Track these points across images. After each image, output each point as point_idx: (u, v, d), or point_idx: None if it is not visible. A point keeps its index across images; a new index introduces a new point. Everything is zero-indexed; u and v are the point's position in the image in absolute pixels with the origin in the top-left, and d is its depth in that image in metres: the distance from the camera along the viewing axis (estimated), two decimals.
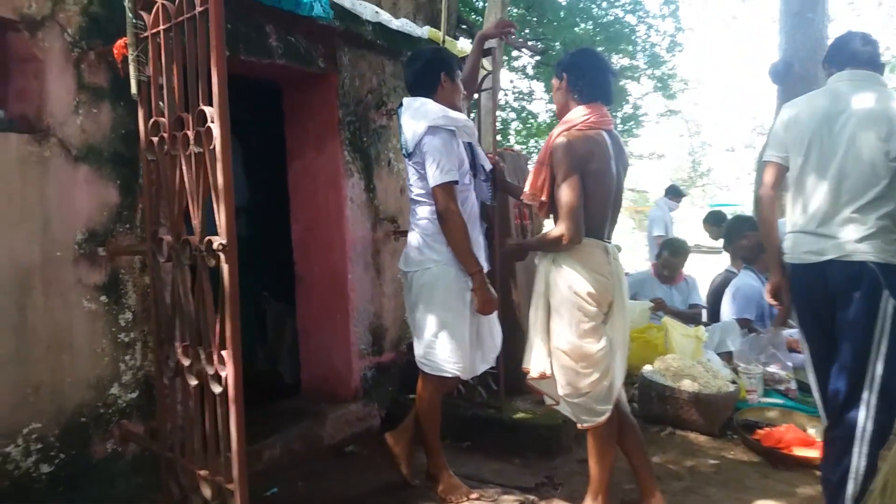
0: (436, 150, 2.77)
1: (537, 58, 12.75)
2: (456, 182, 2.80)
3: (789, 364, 4.31)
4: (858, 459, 2.50)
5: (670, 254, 5.59)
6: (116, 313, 2.65)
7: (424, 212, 2.89)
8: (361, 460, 3.40)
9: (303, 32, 3.51)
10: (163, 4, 2.28)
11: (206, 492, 2.20)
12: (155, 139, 2.39)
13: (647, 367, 4.07)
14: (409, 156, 2.88)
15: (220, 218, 2.08)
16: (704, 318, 5.54)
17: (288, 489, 3.02)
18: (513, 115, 14.09)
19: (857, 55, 2.71)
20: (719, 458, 3.45)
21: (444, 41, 4.15)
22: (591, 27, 12.76)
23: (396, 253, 3.08)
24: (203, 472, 2.22)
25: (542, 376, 2.65)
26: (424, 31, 4.19)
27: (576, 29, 12.45)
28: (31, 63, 2.48)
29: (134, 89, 2.45)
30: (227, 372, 2.06)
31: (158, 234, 2.45)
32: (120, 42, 2.49)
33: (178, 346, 2.33)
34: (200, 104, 2.13)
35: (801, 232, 2.68)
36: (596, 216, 2.58)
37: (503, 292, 3.66)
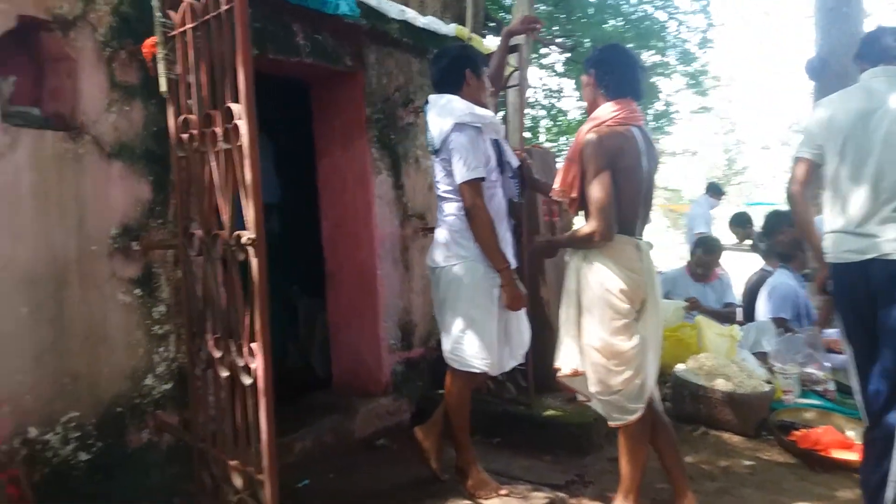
0: (462, 147, 2.76)
1: (566, 55, 12.66)
2: (482, 179, 2.80)
3: (827, 365, 4.22)
4: None
5: (704, 252, 5.51)
6: (150, 306, 2.70)
7: (452, 208, 2.88)
8: (391, 454, 3.41)
9: (329, 31, 3.53)
10: (190, 3, 2.32)
11: (237, 482, 2.23)
12: (185, 136, 2.43)
13: (679, 366, 4.01)
14: (436, 153, 2.88)
15: (249, 213, 2.10)
16: (739, 317, 5.45)
17: (319, 481, 3.03)
18: (542, 112, 14.01)
19: (889, 50, 2.67)
20: (754, 459, 3.38)
21: (469, 38, 4.15)
22: (621, 24, 12.63)
23: (425, 249, 3.09)
24: (234, 463, 2.24)
25: (575, 374, 2.63)
26: (451, 29, 4.19)
27: (605, 26, 12.33)
28: (64, 62, 2.53)
29: (163, 87, 2.49)
30: (257, 364, 2.08)
31: (190, 229, 2.48)
32: (149, 41, 2.53)
33: (209, 338, 2.36)
34: (227, 101, 2.15)
35: (840, 232, 2.64)
36: (627, 212, 2.55)
37: (532, 289, 3.64)
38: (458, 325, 2.83)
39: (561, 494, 2.92)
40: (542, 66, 13.65)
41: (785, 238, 5.04)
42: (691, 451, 3.44)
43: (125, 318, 2.63)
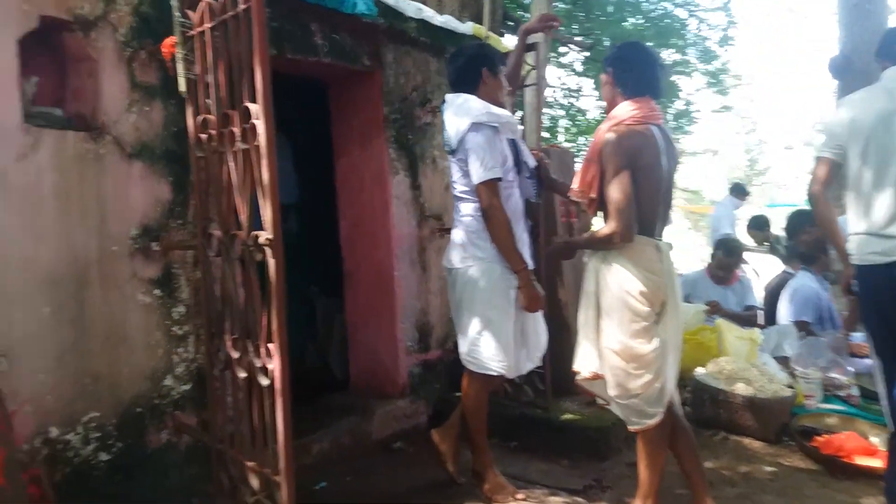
0: (479, 147, 2.75)
1: (585, 54, 12.59)
2: (499, 179, 2.78)
3: (851, 369, 4.16)
4: None
5: (724, 254, 5.45)
6: (170, 307, 2.71)
7: (468, 209, 2.87)
8: (408, 457, 3.40)
9: (347, 30, 3.53)
10: (208, 3, 2.32)
11: (254, 483, 2.23)
12: (203, 136, 2.43)
13: (699, 370, 3.97)
14: (453, 153, 2.87)
15: (266, 213, 2.10)
16: (760, 320, 5.39)
17: (336, 483, 3.03)
18: (561, 112, 13.94)
19: None
20: (775, 465, 3.34)
21: (487, 36, 4.12)
22: (641, 22, 12.54)
23: (442, 250, 3.08)
24: (251, 464, 2.24)
25: (595, 377, 2.60)
26: (468, 28, 4.18)
27: (624, 24, 12.25)
28: (85, 63, 2.55)
29: (182, 87, 2.50)
30: (274, 364, 2.08)
31: (208, 229, 2.49)
32: (168, 41, 2.55)
33: (227, 339, 2.36)
34: (245, 101, 2.15)
35: (865, 234, 2.62)
36: (647, 213, 2.51)
37: (550, 291, 3.61)
38: (474, 326, 2.81)
39: (579, 499, 2.90)
40: (560, 66, 13.58)
41: (808, 238, 4.99)
42: (711, 456, 3.40)
43: (145, 318, 2.64)
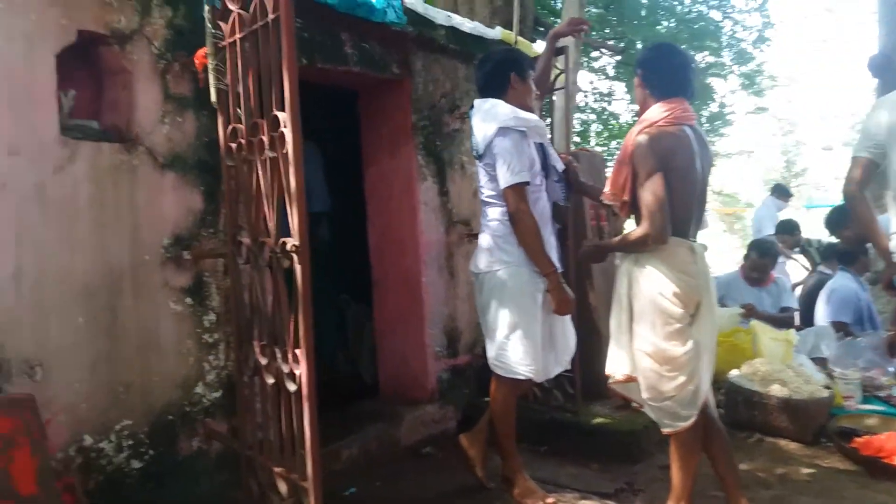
0: (506, 152, 2.75)
1: (617, 58, 12.53)
2: (527, 183, 2.78)
3: (891, 369, 4.08)
4: None
5: (758, 255, 5.36)
6: (201, 315, 2.75)
7: (495, 213, 2.87)
8: (437, 462, 3.41)
9: (377, 39, 3.56)
10: (238, 14, 2.36)
11: (283, 489, 2.25)
12: (233, 145, 2.48)
13: (733, 372, 3.92)
14: (480, 157, 2.88)
15: (293, 220, 2.13)
16: (797, 322, 5.29)
17: (366, 489, 3.04)
18: (593, 116, 13.89)
19: None
20: (812, 467, 3.27)
21: (516, 41, 4.13)
22: (674, 25, 12.43)
23: (470, 256, 3.09)
24: (279, 470, 2.27)
25: (628, 379, 2.59)
26: (497, 33, 4.19)
27: (658, 27, 12.17)
28: (121, 75, 2.62)
29: (213, 97, 2.55)
30: (301, 370, 2.11)
31: (238, 237, 2.53)
32: (200, 52, 2.60)
33: (256, 345, 2.39)
34: (274, 110, 2.18)
35: None
36: (681, 214, 2.49)
37: (580, 294, 3.59)
38: (502, 331, 2.82)
39: (609, 503, 2.88)
40: (592, 70, 13.53)
41: (850, 234, 4.89)
42: (746, 458, 3.35)
43: (177, 326, 2.68)
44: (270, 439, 2.35)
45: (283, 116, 2.13)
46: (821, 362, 4.28)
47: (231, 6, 2.40)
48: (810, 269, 6.80)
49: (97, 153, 2.48)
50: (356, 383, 4.35)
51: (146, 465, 2.57)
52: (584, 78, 13.21)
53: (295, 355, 2.14)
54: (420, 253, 3.79)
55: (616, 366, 2.62)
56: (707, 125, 13.42)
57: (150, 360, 2.60)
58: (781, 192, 8.70)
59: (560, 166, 3.06)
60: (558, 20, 9.51)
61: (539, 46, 5.03)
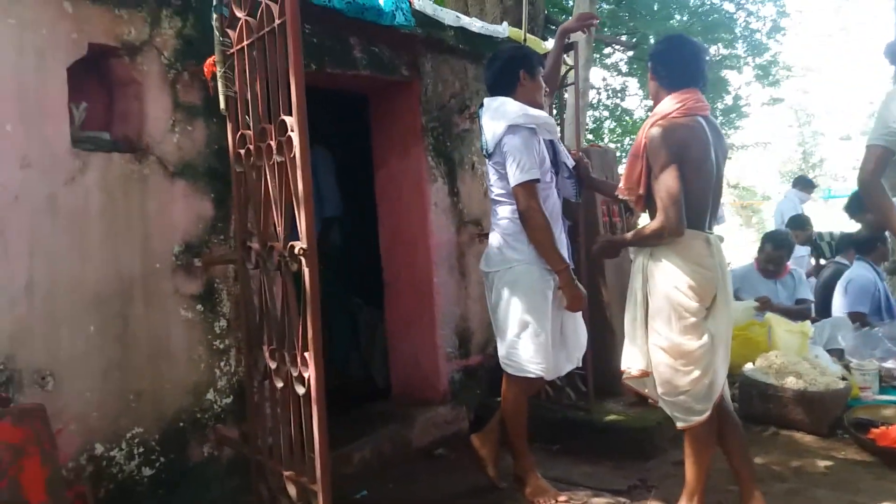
0: (516, 150, 2.76)
1: (630, 53, 12.47)
2: (537, 180, 2.78)
3: None
4: None
5: (773, 247, 5.32)
6: (212, 321, 2.78)
7: (505, 211, 2.88)
8: (450, 463, 3.41)
9: (385, 42, 3.58)
10: (246, 21, 2.39)
11: (292, 492, 2.27)
12: (242, 151, 2.50)
13: (748, 366, 3.90)
14: (490, 156, 2.88)
15: (301, 224, 2.15)
16: (813, 313, 5.25)
17: (378, 492, 3.05)
18: (606, 113, 13.84)
19: None
20: (828, 459, 3.25)
21: (525, 39, 4.13)
22: (687, 18, 12.35)
23: (481, 255, 3.11)
24: (288, 473, 2.28)
25: (643, 374, 2.59)
26: (505, 32, 4.19)
27: (671, 21, 12.09)
28: (131, 86, 2.65)
29: (222, 104, 2.57)
30: (310, 373, 2.12)
31: (248, 242, 2.55)
32: (209, 60, 2.62)
33: (265, 349, 2.42)
34: (282, 114, 2.21)
35: None
36: (696, 206, 2.48)
37: (592, 291, 3.59)
38: (512, 329, 2.82)
39: (623, 500, 2.88)
40: (605, 67, 13.47)
41: (872, 217, 4.85)
42: (761, 451, 3.33)
43: (187, 333, 2.70)
44: (280, 444, 2.36)
45: (291, 121, 2.15)
46: (837, 353, 4.25)
47: (238, 13, 2.43)
48: (814, 262, 6.75)
49: (108, 164, 2.51)
50: (369, 387, 4.37)
51: (157, 472, 2.58)
52: (596, 74, 13.17)
53: (304, 358, 2.16)
54: (431, 254, 3.80)
55: (631, 361, 2.62)
56: (722, 118, 13.31)
57: (161, 367, 2.62)
58: (805, 185, 8.63)
59: (570, 163, 3.06)
60: (569, 17, 9.49)
61: (550, 44, 5.04)
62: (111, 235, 2.50)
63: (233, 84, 2.53)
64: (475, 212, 4.11)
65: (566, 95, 4.16)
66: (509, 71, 2.92)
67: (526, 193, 2.75)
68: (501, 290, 2.86)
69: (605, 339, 3.78)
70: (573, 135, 4.73)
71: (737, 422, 2.65)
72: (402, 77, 3.74)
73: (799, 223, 6.90)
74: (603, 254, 2.95)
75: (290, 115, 2.15)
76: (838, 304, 5.00)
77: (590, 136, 12.01)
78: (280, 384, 2.32)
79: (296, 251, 2.17)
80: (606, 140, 13.31)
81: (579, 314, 2.99)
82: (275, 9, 2.19)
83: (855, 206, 5.25)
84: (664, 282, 2.48)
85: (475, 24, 3.99)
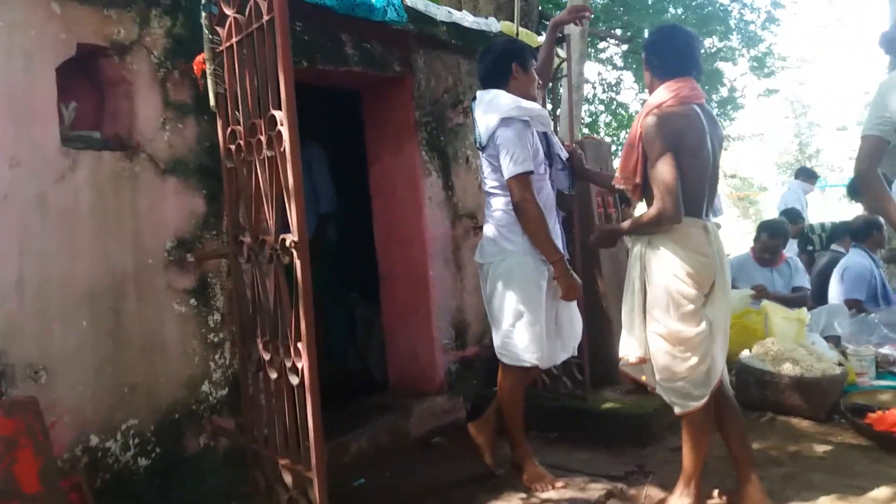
0: (509, 142, 2.77)
1: (624, 47, 12.48)
2: (531, 172, 2.79)
3: None
4: None
5: (769, 236, 5.33)
6: (206, 315, 2.79)
7: (499, 203, 2.89)
8: (447, 452, 3.43)
9: (377, 38, 3.59)
10: (234, 18, 2.40)
11: (288, 480, 2.28)
12: (232, 147, 2.51)
13: (744, 353, 3.91)
14: (483, 149, 2.90)
15: (292, 217, 2.16)
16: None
17: (375, 480, 3.07)
18: (601, 107, 13.84)
19: None
20: (825, 444, 3.27)
21: (517, 34, 4.14)
22: (681, 11, 12.35)
23: (476, 248, 3.12)
24: (284, 462, 2.30)
25: (641, 361, 2.60)
26: (498, 26, 4.20)
27: (665, 15, 12.08)
28: (121, 85, 2.66)
29: (212, 101, 2.58)
30: (303, 363, 2.14)
31: (239, 236, 2.56)
32: (198, 58, 2.62)
33: (259, 341, 2.43)
34: (271, 110, 2.22)
35: None
36: (693, 194, 2.49)
37: (587, 281, 3.61)
38: (507, 319, 2.84)
39: (620, 485, 2.89)
40: (600, 61, 13.48)
41: (870, 207, 4.87)
42: (758, 437, 3.35)
43: (181, 327, 2.72)
44: (276, 433, 2.38)
45: (280, 115, 2.16)
46: (834, 340, 4.26)
47: (227, 11, 2.44)
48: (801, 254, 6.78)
49: (99, 162, 2.52)
50: (366, 379, 4.39)
51: (153, 462, 2.61)
52: (591, 69, 13.18)
53: (297, 349, 2.17)
54: (426, 247, 3.81)
55: (628, 349, 2.63)
56: (718, 109, 13.32)
57: (155, 360, 2.63)
58: (808, 176, 8.69)
59: (564, 155, 3.07)
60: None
61: (543, 39, 5.05)
62: (102, 232, 2.51)
63: (222, 81, 2.54)
64: (470, 205, 4.12)
65: (561, 90, 4.17)
66: (502, 64, 2.93)
67: (520, 185, 2.76)
68: (496, 281, 2.88)
69: (601, 329, 3.79)
70: (567, 127, 4.74)
71: (736, 408, 2.66)
72: (394, 73, 3.75)
73: (791, 216, 6.92)
74: (600, 243, 2.96)
75: (280, 109, 2.16)
76: (835, 292, 5.02)
77: (585, 130, 12.02)
78: (274, 375, 2.33)
79: (287, 244, 2.18)
80: (602, 134, 13.31)
81: (574, 304, 3.01)
82: (263, 5, 2.20)
83: (856, 189, 5.26)
84: (662, 270, 2.49)
85: (467, 20, 4.00)
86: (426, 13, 3.66)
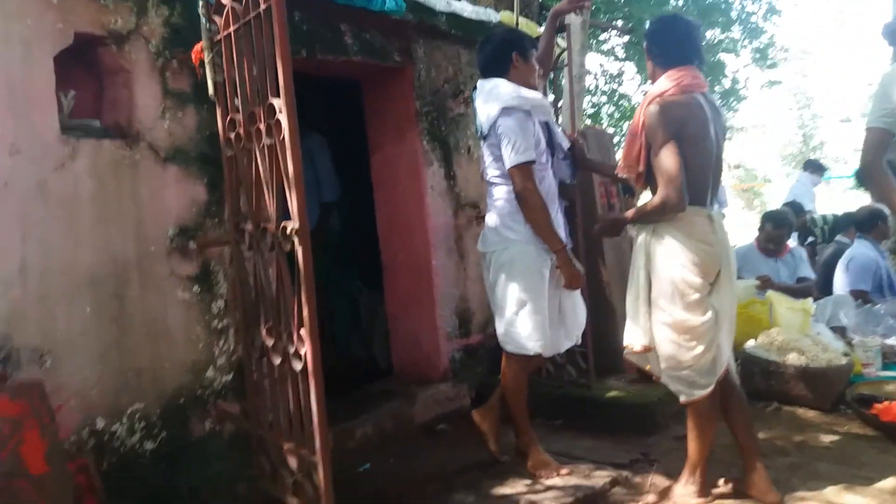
0: (510, 131, 2.75)
1: (626, 38, 12.43)
2: (533, 162, 2.78)
3: None
4: None
5: (774, 226, 5.30)
6: (209, 302, 2.80)
7: (501, 192, 2.88)
8: (451, 439, 3.43)
9: (377, 28, 3.58)
10: (232, 7, 2.39)
11: (293, 464, 2.29)
12: (232, 135, 2.51)
13: (749, 343, 3.89)
14: (485, 138, 2.88)
15: (293, 204, 2.16)
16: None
17: (380, 466, 3.07)
18: (604, 98, 13.80)
19: None
20: (831, 434, 3.25)
21: (517, 23, 4.12)
22: (682, 3, 12.29)
23: (478, 237, 3.12)
24: (289, 446, 2.31)
25: (646, 350, 2.59)
26: (497, 17, 4.18)
27: (667, 7, 12.03)
28: (120, 74, 2.66)
29: (211, 90, 2.58)
30: (306, 349, 2.14)
31: (241, 224, 2.56)
32: (197, 47, 2.63)
33: (262, 328, 2.43)
34: (270, 98, 2.21)
35: None
36: (697, 183, 2.47)
37: (591, 270, 3.60)
38: (510, 308, 2.83)
39: (625, 473, 2.89)
40: (602, 52, 13.43)
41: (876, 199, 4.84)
42: (764, 426, 3.33)
43: (185, 314, 2.73)
44: (280, 418, 2.38)
45: (279, 103, 2.16)
46: (839, 331, 4.24)
47: (224, 0, 2.43)
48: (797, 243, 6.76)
49: (98, 150, 2.52)
50: (370, 367, 4.39)
51: (159, 446, 2.63)
52: (593, 60, 13.13)
53: (300, 335, 2.17)
54: (428, 236, 3.81)
55: (633, 337, 2.62)
56: (721, 101, 13.26)
57: (159, 346, 2.65)
58: (816, 168, 8.70)
59: (566, 144, 3.06)
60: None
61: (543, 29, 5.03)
62: (104, 220, 2.52)
63: (221, 70, 2.53)
64: (472, 194, 4.11)
65: (563, 81, 4.15)
66: (502, 53, 2.92)
67: (522, 175, 2.75)
68: (498, 270, 2.87)
69: (605, 318, 3.78)
70: (569, 117, 4.72)
71: (742, 397, 2.65)
72: (394, 63, 3.74)
73: (794, 208, 6.90)
74: (605, 232, 2.94)
75: (279, 97, 2.15)
76: (840, 283, 5.00)
77: (587, 122, 11.99)
78: (278, 361, 2.34)
79: (288, 231, 2.18)
80: (605, 125, 13.27)
81: (578, 293, 3.00)
82: None
83: (860, 181, 5.23)
84: (667, 259, 2.48)
85: (467, 9, 3.98)
86: (425, 3, 3.64)
